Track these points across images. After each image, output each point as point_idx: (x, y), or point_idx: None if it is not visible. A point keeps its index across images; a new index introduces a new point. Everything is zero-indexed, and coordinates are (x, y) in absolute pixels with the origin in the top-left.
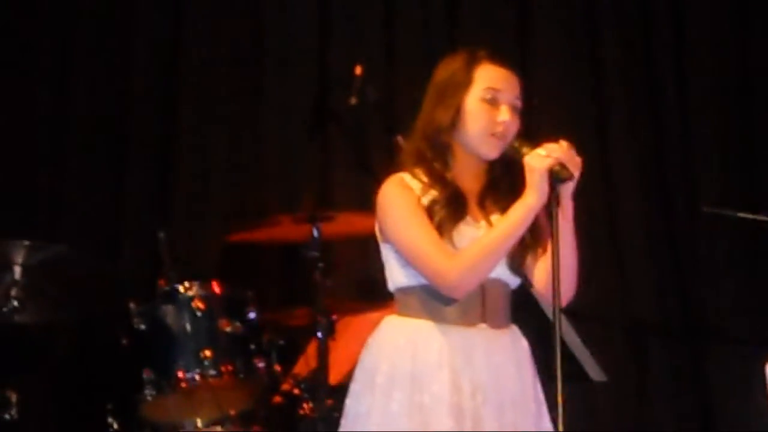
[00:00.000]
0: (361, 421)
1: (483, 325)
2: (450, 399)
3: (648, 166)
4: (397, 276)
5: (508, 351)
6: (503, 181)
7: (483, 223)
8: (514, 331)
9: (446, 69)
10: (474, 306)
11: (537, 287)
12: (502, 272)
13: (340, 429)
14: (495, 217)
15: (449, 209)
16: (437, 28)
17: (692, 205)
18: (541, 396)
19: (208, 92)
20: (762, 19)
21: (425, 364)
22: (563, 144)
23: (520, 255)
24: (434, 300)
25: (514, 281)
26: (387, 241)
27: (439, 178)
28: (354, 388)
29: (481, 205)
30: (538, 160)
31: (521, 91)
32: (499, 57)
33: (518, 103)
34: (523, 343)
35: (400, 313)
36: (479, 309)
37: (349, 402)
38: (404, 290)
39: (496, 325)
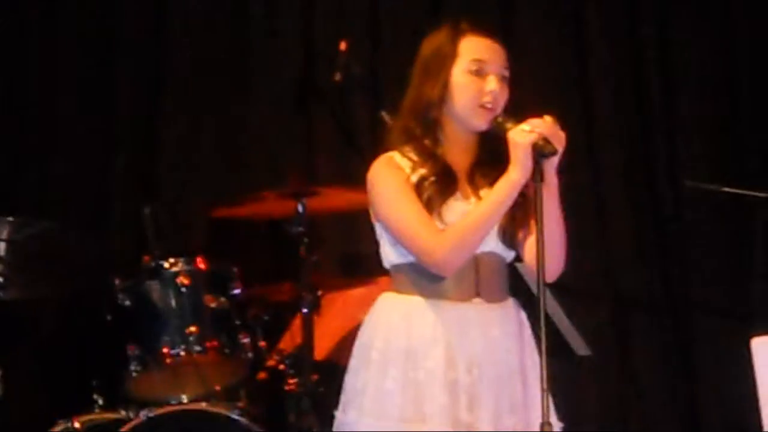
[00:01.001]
0: (358, 397)
1: (478, 300)
2: (445, 375)
3: (633, 142)
4: (389, 254)
5: (504, 324)
6: (493, 155)
7: (473, 198)
8: (512, 304)
9: (431, 44)
10: (467, 280)
11: (527, 261)
12: (495, 245)
13: (340, 404)
14: (485, 192)
15: (438, 185)
16: (421, 2)
17: (676, 180)
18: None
19: (193, 69)
20: None
21: (419, 340)
22: (547, 119)
23: (511, 228)
24: (427, 276)
25: (508, 254)
26: (378, 219)
27: (429, 154)
28: (352, 364)
29: (471, 180)
30: (522, 135)
31: (507, 59)
32: (483, 28)
33: (506, 73)
34: (522, 316)
35: (395, 290)
36: (473, 283)
37: (347, 378)
38: (397, 267)
39: (491, 298)
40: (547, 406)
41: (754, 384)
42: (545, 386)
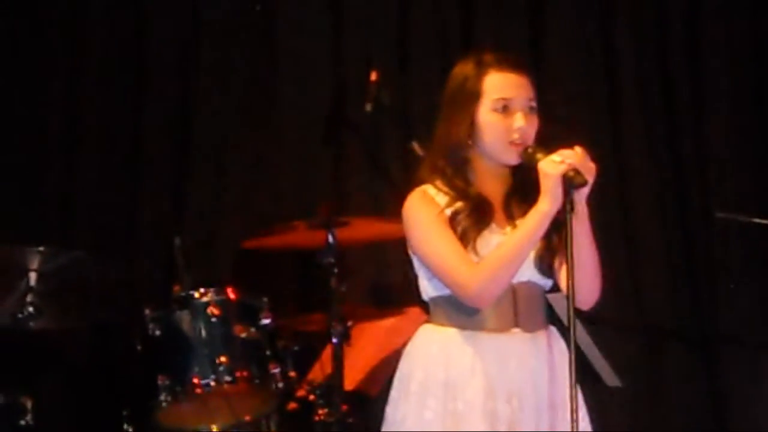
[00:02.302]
0: (397, 427)
1: (516, 330)
2: (484, 405)
3: (663, 171)
4: (426, 287)
5: (543, 354)
6: (527, 184)
7: (508, 228)
8: (552, 333)
9: (456, 79)
10: (505, 311)
11: (563, 288)
12: (532, 275)
13: None
14: (520, 222)
15: (472, 218)
16: (451, 30)
17: (707, 210)
18: (581, 397)
19: (223, 99)
20: None
21: (458, 371)
22: (578, 150)
23: (548, 257)
24: (464, 308)
25: (545, 283)
26: (414, 253)
27: (461, 192)
28: (392, 395)
29: (507, 210)
30: (552, 166)
31: (534, 89)
32: (507, 61)
33: (532, 103)
34: (561, 345)
35: (434, 322)
36: (511, 314)
37: (388, 410)
38: (435, 300)
39: (530, 328)
40: None
41: None
42: (576, 416)
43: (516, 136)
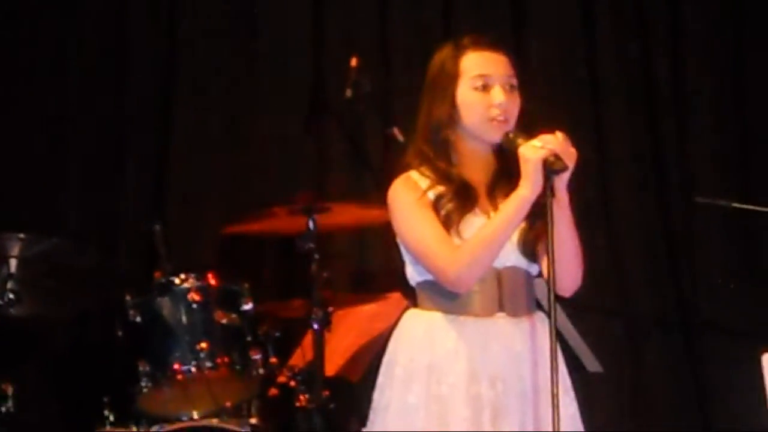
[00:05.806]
0: (382, 412)
1: (501, 314)
2: (467, 389)
3: (644, 158)
4: (411, 272)
5: (529, 339)
6: (512, 170)
7: (492, 213)
8: (538, 318)
9: (435, 64)
10: (490, 296)
11: (545, 275)
12: (517, 259)
13: (368, 422)
14: None
15: (456, 202)
16: (432, 17)
17: (688, 196)
18: (568, 382)
19: (204, 85)
20: (757, 7)
21: (442, 355)
22: (558, 135)
23: (532, 241)
24: (449, 293)
25: (532, 268)
26: (398, 238)
27: (444, 176)
28: (378, 381)
29: (491, 195)
30: (533, 151)
31: (513, 68)
32: (484, 41)
33: (513, 81)
34: (547, 330)
35: (419, 307)
36: (496, 298)
37: (375, 395)
38: (421, 285)
39: (515, 313)
40: (559, 421)
41: (765, 398)
42: (557, 402)
43: (497, 111)
